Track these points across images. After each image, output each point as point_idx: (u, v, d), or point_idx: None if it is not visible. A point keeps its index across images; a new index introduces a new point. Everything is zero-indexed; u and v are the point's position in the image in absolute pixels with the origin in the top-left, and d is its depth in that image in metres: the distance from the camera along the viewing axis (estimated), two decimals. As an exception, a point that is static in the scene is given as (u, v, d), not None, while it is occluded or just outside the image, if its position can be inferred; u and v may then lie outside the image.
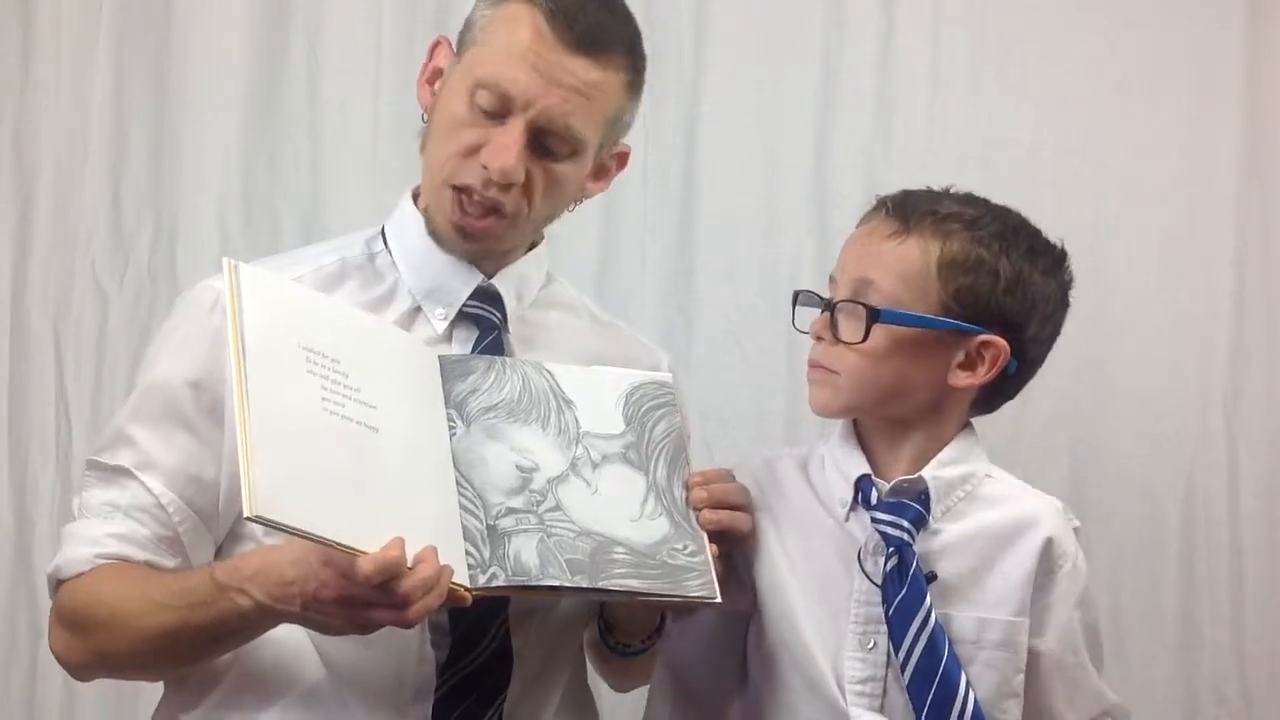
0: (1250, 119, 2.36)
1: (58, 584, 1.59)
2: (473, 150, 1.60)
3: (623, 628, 1.68)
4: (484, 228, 1.63)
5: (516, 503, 1.51)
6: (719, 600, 1.53)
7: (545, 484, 1.53)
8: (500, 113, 1.59)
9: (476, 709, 1.59)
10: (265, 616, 1.45)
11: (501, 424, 1.56)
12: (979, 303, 1.57)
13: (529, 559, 1.48)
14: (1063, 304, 1.64)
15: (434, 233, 1.66)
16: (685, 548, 1.54)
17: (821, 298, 1.62)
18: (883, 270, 1.58)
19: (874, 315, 1.56)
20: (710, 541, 1.56)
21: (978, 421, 1.68)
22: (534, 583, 1.47)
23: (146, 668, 1.61)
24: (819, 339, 1.61)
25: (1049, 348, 1.66)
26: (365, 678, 1.57)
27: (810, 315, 1.64)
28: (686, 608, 1.58)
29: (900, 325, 1.57)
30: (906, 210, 1.60)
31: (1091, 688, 1.63)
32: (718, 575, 1.54)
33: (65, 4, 2.40)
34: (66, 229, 2.39)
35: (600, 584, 1.50)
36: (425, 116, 1.68)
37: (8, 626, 2.34)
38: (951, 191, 1.64)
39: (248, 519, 1.34)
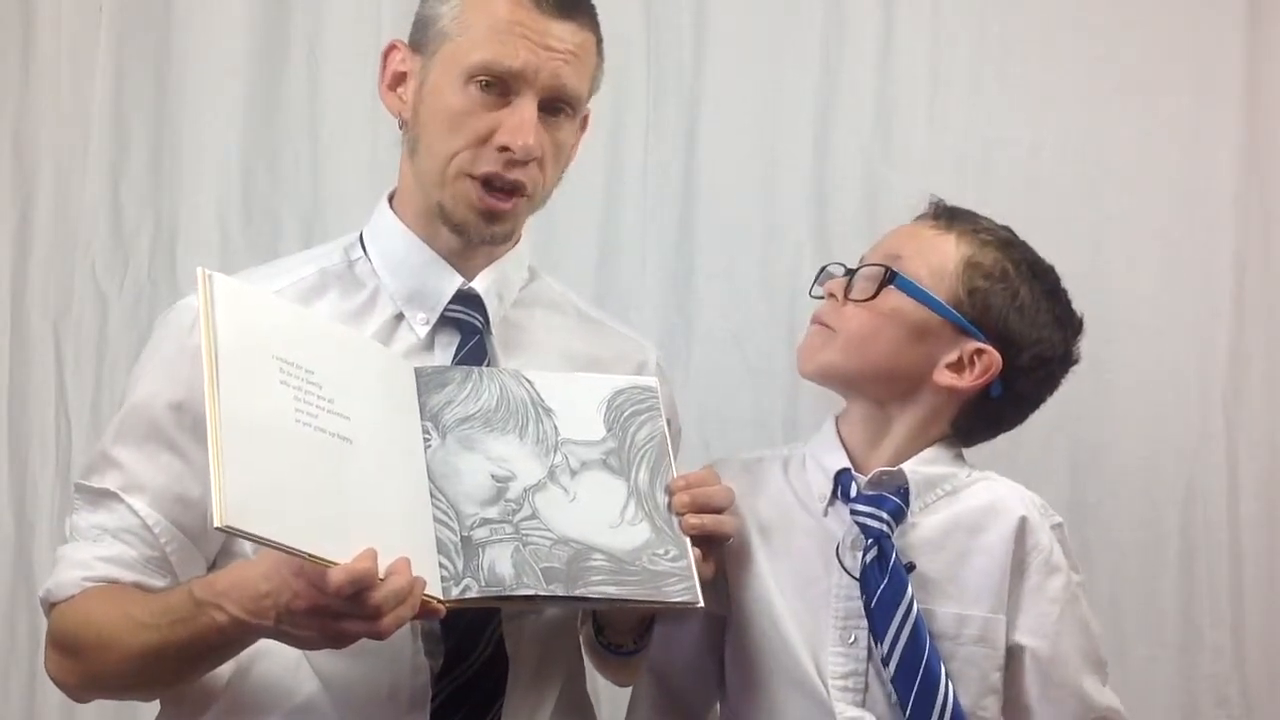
0: (1250, 120, 2.36)
1: (50, 607, 1.60)
2: (485, 137, 1.61)
3: (614, 628, 1.68)
4: (510, 208, 1.64)
5: (491, 513, 1.50)
6: (701, 605, 1.52)
7: (522, 493, 1.53)
8: (504, 92, 1.60)
9: (474, 716, 1.59)
10: (242, 631, 1.44)
11: (477, 434, 1.55)
12: (989, 311, 1.61)
13: (503, 569, 1.47)
14: (1062, 361, 1.66)
15: (451, 224, 1.65)
16: (667, 552, 1.54)
17: (847, 268, 1.66)
18: (914, 251, 1.63)
19: (890, 277, 1.60)
20: (694, 546, 1.55)
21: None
22: (508, 593, 1.47)
23: (136, 688, 1.61)
24: (830, 296, 1.65)
25: (1035, 398, 1.67)
26: (360, 690, 1.57)
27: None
28: (670, 613, 1.58)
29: (911, 296, 1.60)
30: (954, 214, 1.67)
31: (1072, 688, 1.62)
32: (701, 579, 1.53)
33: (65, 5, 2.40)
34: (66, 230, 2.39)
35: (577, 592, 1.49)
36: (402, 123, 1.68)
37: (8, 629, 2.34)
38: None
39: (216, 529, 1.33)
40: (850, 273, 1.65)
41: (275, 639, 1.45)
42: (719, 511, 1.58)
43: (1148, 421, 2.35)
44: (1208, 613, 2.33)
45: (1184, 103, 2.37)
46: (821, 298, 1.67)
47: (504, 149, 1.60)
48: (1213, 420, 2.35)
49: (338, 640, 1.41)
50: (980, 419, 1.66)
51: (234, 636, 1.46)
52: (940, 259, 1.62)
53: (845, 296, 1.63)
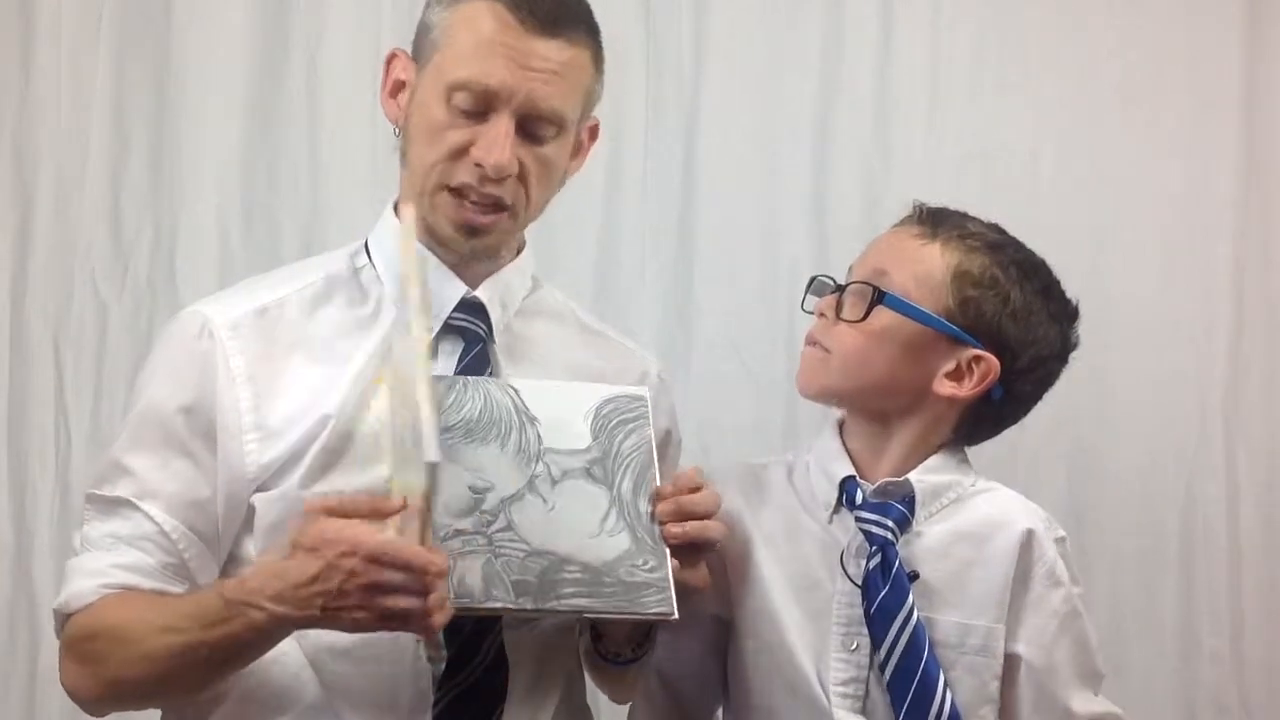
0: (1249, 125, 2.36)
1: (65, 618, 1.59)
2: (461, 151, 1.60)
3: (611, 637, 1.68)
4: (489, 223, 1.63)
5: (465, 524, 1.50)
6: (676, 617, 1.52)
7: (498, 504, 1.52)
8: (482, 109, 1.59)
9: (474, 721, 1.59)
10: (279, 625, 1.45)
11: (458, 445, 1.54)
12: (982, 319, 1.60)
13: (473, 581, 1.46)
14: (1060, 356, 1.66)
15: (437, 239, 1.65)
16: (645, 563, 1.53)
17: (836, 283, 1.65)
18: (900, 264, 1.62)
19: (879, 296, 1.60)
20: (679, 553, 1.54)
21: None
22: (476, 605, 1.46)
23: (158, 694, 1.60)
24: (821, 315, 1.65)
25: (1035, 395, 1.67)
26: (362, 695, 1.57)
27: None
28: (646, 624, 1.58)
29: (901, 314, 1.60)
30: (938, 219, 1.65)
31: (1061, 699, 1.62)
32: (689, 587, 1.53)
33: (65, 14, 2.40)
34: (66, 237, 2.38)
35: (547, 605, 1.48)
36: (397, 131, 1.68)
37: (8, 637, 2.33)
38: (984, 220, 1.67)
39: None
40: (839, 289, 1.64)
41: (318, 627, 1.45)
42: (705, 518, 1.57)
43: (1147, 427, 2.35)
44: (1206, 619, 2.33)
45: (1183, 108, 2.37)
46: (813, 313, 1.66)
47: (478, 165, 1.60)
48: (1212, 426, 2.35)
49: (387, 618, 1.40)
50: (982, 421, 1.66)
51: (269, 632, 1.46)
52: (927, 270, 1.61)
53: (836, 316, 1.63)
